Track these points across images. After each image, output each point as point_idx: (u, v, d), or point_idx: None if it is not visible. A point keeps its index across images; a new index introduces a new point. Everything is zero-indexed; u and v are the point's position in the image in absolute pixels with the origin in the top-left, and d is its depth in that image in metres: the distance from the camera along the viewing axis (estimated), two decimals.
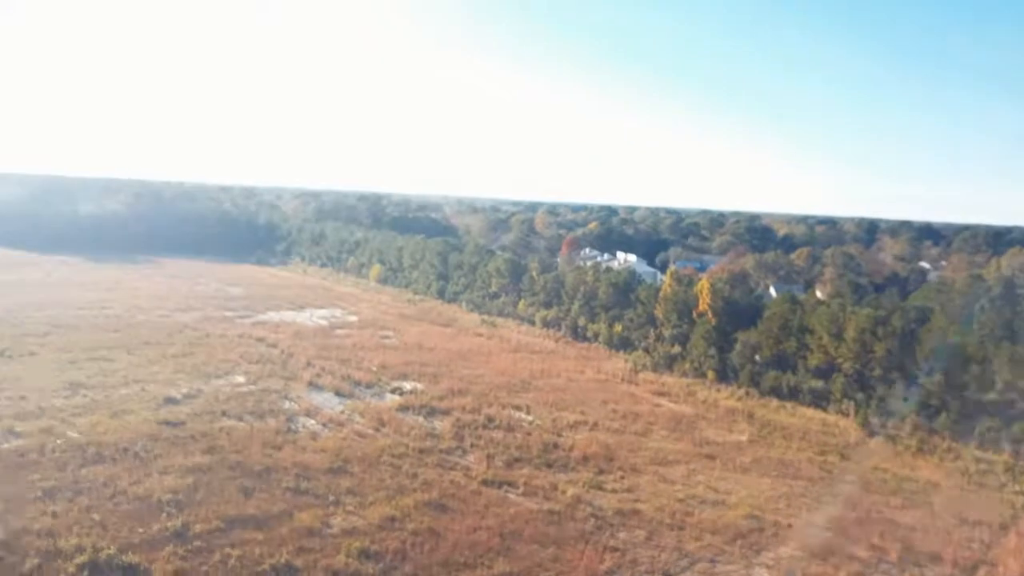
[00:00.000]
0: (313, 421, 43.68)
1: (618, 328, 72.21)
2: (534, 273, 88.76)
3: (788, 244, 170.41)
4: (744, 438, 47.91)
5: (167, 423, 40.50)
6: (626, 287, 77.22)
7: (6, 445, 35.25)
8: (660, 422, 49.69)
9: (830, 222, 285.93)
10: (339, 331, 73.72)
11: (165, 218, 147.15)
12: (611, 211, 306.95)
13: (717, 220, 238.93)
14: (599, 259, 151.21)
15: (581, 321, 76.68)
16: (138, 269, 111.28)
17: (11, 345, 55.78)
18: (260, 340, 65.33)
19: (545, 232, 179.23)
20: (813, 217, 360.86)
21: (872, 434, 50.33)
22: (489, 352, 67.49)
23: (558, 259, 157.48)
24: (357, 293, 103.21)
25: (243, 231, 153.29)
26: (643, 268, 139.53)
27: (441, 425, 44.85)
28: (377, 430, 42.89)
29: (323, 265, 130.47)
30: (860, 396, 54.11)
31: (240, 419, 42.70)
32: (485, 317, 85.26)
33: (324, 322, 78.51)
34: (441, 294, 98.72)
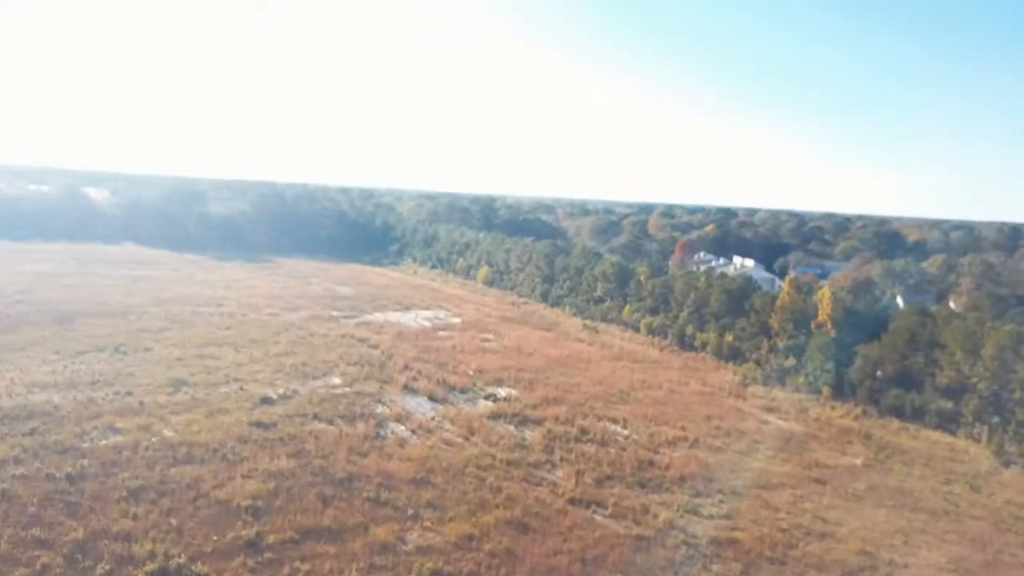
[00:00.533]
0: (403, 427, 43.03)
1: (729, 338, 68.21)
2: (641, 277, 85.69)
3: (919, 251, 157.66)
4: (859, 462, 43.66)
5: (259, 424, 40.83)
6: (740, 294, 72.99)
7: (104, 442, 36.33)
8: (767, 441, 46.07)
9: (966, 227, 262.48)
10: (441, 333, 73.47)
11: (286, 219, 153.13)
12: (729, 213, 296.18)
13: (842, 224, 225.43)
14: (713, 263, 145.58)
15: (689, 329, 73.11)
16: (257, 268, 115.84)
17: (128, 340, 58.50)
18: (362, 341, 65.85)
19: (658, 235, 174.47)
20: (947, 222, 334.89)
21: (1008, 463, 44.84)
22: (589, 359, 65.26)
23: (669, 263, 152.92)
24: (463, 295, 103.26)
25: (359, 232, 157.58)
26: (760, 274, 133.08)
27: (532, 436, 43.18)
28: (466, 439, 41.72)
29: (433, 266, 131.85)
30: (995, 420, 48.46)
31: (331, 422, 42.59)
32: (588, 322, 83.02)
33: (427, 323, 78.59)
34: (545, 297, 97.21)
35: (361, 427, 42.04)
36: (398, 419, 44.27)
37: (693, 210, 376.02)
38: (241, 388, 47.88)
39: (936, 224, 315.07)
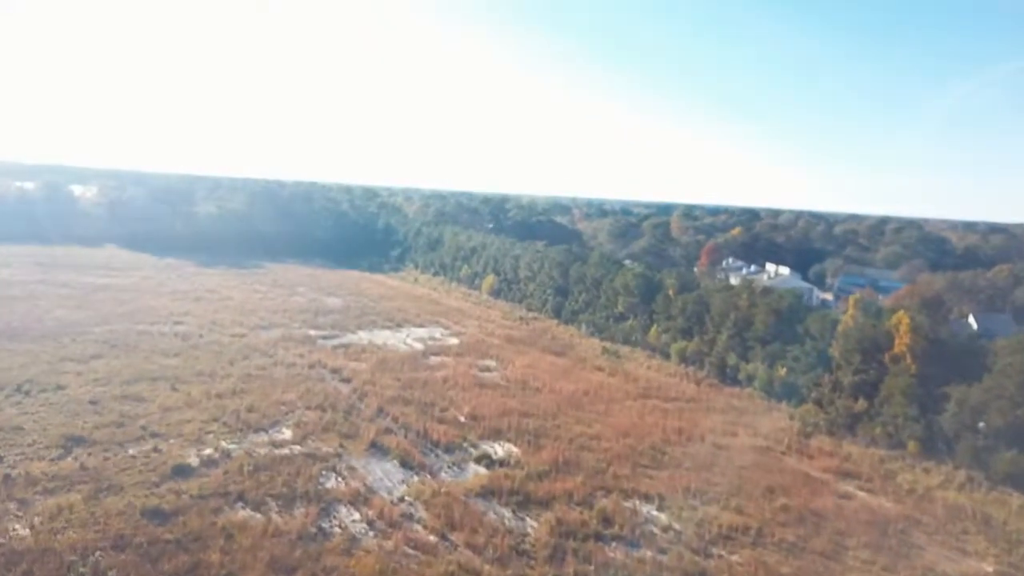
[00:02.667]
0: (357, 516, 31.40)
1: (780, 370, 56.11)
2: (670, 291, 73.69)
3: (971, 258, 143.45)
4: (989, 569, 31.59)
5: (155, 514, 29.38)
6: (791, 315, 60.90)
7: None
8: (854, 529, 34.07)
9: (1002, 230, 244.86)
10: (433, 359, 61.92)
11: (282, 220, 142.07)
12: (752, 214, 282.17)
13: (876, 227, 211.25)
14: (744, 271, 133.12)
15: (730, 358, 61.05)
16: (241, 275, 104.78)
17: (40, 374, 47.32)
18: (335, 372, 54.35)
19: (681, 238, 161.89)
20: (981, 223, 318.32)
21: None
22: (610, 397, 53.37)
23: (695, 270, 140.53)
24: (466, 307, 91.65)
25: (359, 234, 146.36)
26: (796, 283, 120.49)
27: (536, 529, 31.42)
28: (442, 538, 30.02)
29: (436, 273, 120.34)
30: None
31: (259, 507, 31.07)
32: (608, 345, 71.04)
33: (419, 345, 67.09)
34: (558, 312, 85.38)
35: (299, 516, 30.49)
36: (353, 501, 32.64)
37: (713, 210, 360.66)
38: (155, 449, 36.46)
39: (968, 226, 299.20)
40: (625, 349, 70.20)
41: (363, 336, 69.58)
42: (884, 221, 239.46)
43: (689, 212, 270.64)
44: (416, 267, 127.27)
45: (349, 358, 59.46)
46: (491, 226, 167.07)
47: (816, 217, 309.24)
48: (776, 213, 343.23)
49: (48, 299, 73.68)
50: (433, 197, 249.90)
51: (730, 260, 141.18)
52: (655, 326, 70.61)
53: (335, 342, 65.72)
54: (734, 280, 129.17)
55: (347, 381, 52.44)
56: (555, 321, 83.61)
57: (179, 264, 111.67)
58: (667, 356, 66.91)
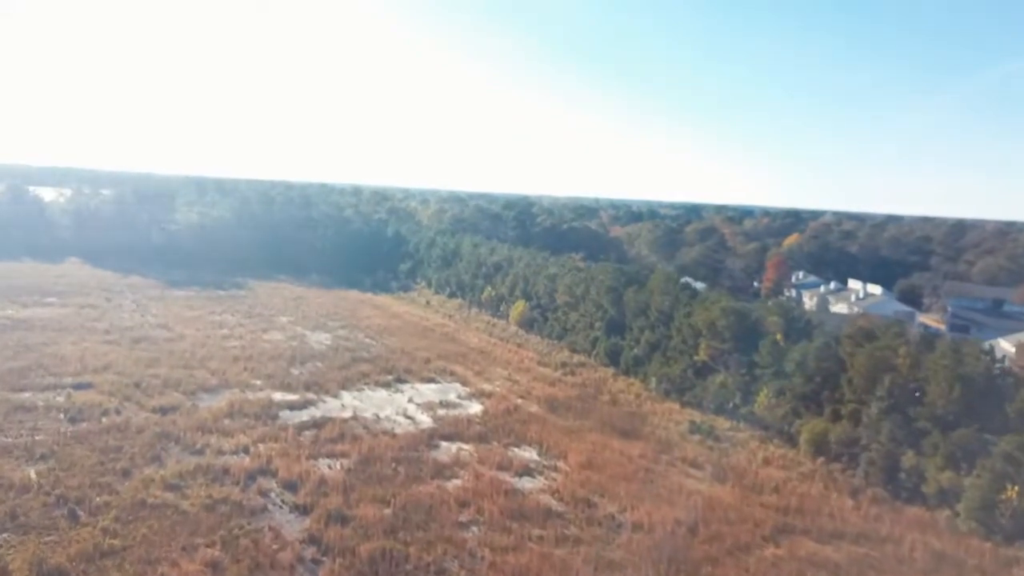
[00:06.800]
0: None
1: (1010, 492, 34.65)
2: (778, 336, 52.77)
3: None
4: None
5: None
6: (989, 390, 39.78)
7: None
8: None
9: None
10: (444, 448, 41.54)
11: (272, 229, 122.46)
12: (798, 217, 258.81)
13: (953, 232, 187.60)
14: (822, 288, 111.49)
15: (907, 457, 39.54)
16: (212, 300, 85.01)
17: None
18: (288, 488, 34.09)
19: (738, 247, 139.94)
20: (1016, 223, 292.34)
21: None
22: (731, 536, 32.41)
23: (758, 285, 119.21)
24: (489, 346, 71.17)
25: (364, 245, 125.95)
26: (894, 306, 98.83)
27: None
28: None
29: (452, 294, 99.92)
30: None
31: None
32: (698, 419, 49.98)
33: (426, 418, 46.79)
34: (613, 357, 64.47)
35: None
36: None
37: (745, 211, 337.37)
38: None
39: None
40: (722, 423, 49.25)
41: (347, 401, 49.33)
42: (959, 225, 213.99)
43: (720, 212, 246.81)
44: (429, 285, 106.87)
45: (317, 451, 39.16)
46: (513, 233, 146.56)
47: (852, 218, 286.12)
48: (816, 214, 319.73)
49: None
50: (450, 200, 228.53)
51: (800, 275, 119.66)
52: (763, 389, 49.44)
53: (304, 416, 45.46)
54: (808, 300, 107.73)
55: (303, 512, 32.10)
56: (610, 369, 62.79)
57: (143, 284, 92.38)
58: (787, 437, 45.94)
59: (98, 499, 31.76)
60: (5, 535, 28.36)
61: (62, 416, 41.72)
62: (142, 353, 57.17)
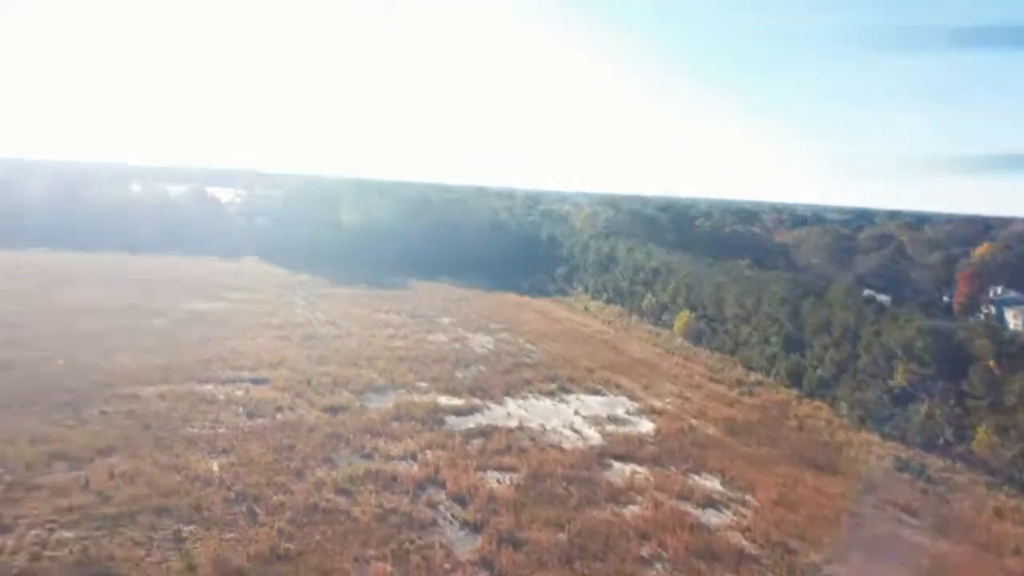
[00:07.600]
0: None
1: None
2: (989, 361, 45.82)
3: None
4: None
5: None
6: None
7: None
8: None
9: None
10: (617, 469, 38.69)
11: (432, 230, 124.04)
12: (985, 223, 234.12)
13: None
14: None
15: None
16: (376, 298, 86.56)
17: None
18: (457, 501, 32.56)
19: (920, 257, 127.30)
20: None
21: None
22: None
23: (949, 301, 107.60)
24: (654, 357, 67.59)
25: (519, 247, 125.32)
26: None
27: None
28: None
29: (609, 300, 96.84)
30: None
31: None
32: (903, 454, 44.04)
33: (594, 434, 44.16)
34: (795, 377, 58.99)
35: None
36: None
37: (921, 217, 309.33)
38: None
39: None
40: (934, 461, 43.14)
41: (512, 410, 47.57)
42: None
43: (915, 223, 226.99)
44: (586, 290, 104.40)
45: (485, 463, 37.49)
46: (671, 237, 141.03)
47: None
48: (1005, 221, 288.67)
49: (119, 336, 57.70)
50: (603, 204, 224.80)
51: (999, 290, 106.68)
52: (981, 425, 42.88)
53: (470, 423, 44.01)
54: (1013, 319, 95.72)
55: (474, 530, 30.36)
56: (792, 391, 57.46)
57: (312, 282, 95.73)
58: (1020, 486, 39.41)
59: (274, 498, 31.46)
60: (192, 527, 28.52)
61: (240, 410, 42.61)
62: (310, 351, 58.25)
